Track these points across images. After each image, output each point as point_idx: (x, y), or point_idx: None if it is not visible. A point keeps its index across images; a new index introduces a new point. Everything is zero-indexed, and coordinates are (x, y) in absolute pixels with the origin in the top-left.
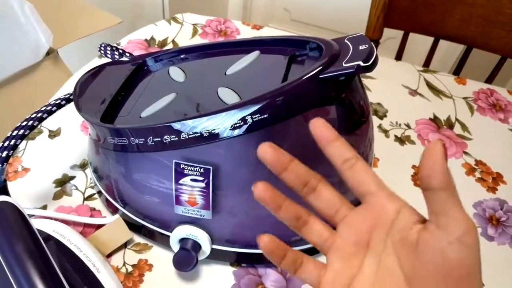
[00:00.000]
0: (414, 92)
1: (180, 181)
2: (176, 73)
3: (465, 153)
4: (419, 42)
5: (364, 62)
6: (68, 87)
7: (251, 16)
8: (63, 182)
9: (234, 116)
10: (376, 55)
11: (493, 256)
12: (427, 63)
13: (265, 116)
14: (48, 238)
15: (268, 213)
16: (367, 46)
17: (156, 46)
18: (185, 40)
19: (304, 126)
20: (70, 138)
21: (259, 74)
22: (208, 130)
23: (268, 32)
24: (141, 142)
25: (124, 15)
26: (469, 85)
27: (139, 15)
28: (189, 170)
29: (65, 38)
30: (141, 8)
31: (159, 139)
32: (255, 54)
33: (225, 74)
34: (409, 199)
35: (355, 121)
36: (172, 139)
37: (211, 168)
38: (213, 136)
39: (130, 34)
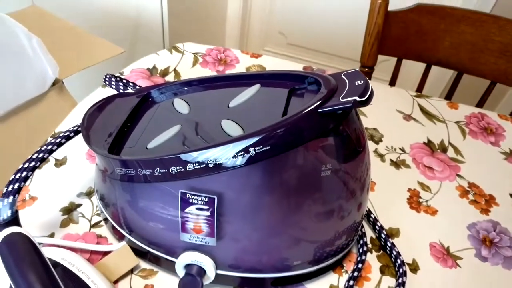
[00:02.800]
0: (408, 117)
1: (186, 210)
2: (180, 105)
3: (459, 176)
4: (412, 66)
5: (360, 97)
6: (73, 117)
7: (248, 40)
8: (70, 210)
9: (238, 148)
10: (372, 90)
11: (487, 276)
12: (420, 88)
13: (267, 148)
14: (55, 265)
15: (270, 239)
16: (362, 82)
17: (158, 75)
18: (186, 69)
19: (304, 156)
20: (76, 167)
21: (261, 107)
22: (213, 161)
23: (266, 60)
24: (149, 173)
25: (124, 43)
26: (461, 109)
27: (139, 41)
28: (194, 199)
29: (69, 68)
30: (141, 35)
31: (166, 170)
32: (256, 87)
33: (228, 106)
34: (405, 221)
35: (352, 150)
36: (178, 170)
37: (215, 197)
38: (218, 167)
39: (133, 64)
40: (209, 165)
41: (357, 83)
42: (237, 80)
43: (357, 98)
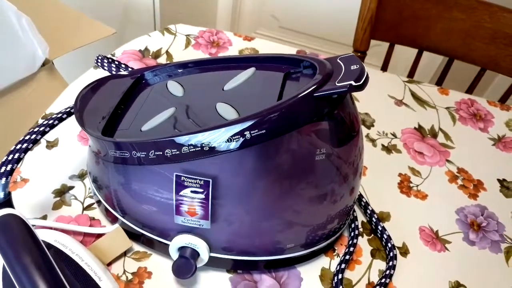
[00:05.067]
0: (399, 102)
1: (181, 193)
2: (175, 87)
3: (448, 161)
4: (403, 51)
5: (355, 82)
6: (64, 98)
7: (239, 22)
8: (62, 192)
9: (234, 131)
10: (367, 75)
11: (475, 260)
12: (411, 74)
13: (263, 131)
14: (48, 247)
15: (264, 222)
16: (358, 66)
17: (150, 56)
18: (179, 51)
19: (298, 140)
20: (68, 149)
21: (256, 91)
22: (208, 145)
23: (259, 43)
24: (143, 155)
25: (114, 24)
26: (451, 96)
27: (129, 22)
28: (189, 182)
29: (60, 48)
30: (132, 16)
31: (161, 152)
32: (251, 70)
33: (223, 89)
34: (395, 205)
35: (346, 135)
36: (173, 152)
37: (210, 180)
38: (212, 150)
39: (124, 45)
40: (204, 148)
41: (353, 67)
42: (232, 63)
43: (353, 83)
